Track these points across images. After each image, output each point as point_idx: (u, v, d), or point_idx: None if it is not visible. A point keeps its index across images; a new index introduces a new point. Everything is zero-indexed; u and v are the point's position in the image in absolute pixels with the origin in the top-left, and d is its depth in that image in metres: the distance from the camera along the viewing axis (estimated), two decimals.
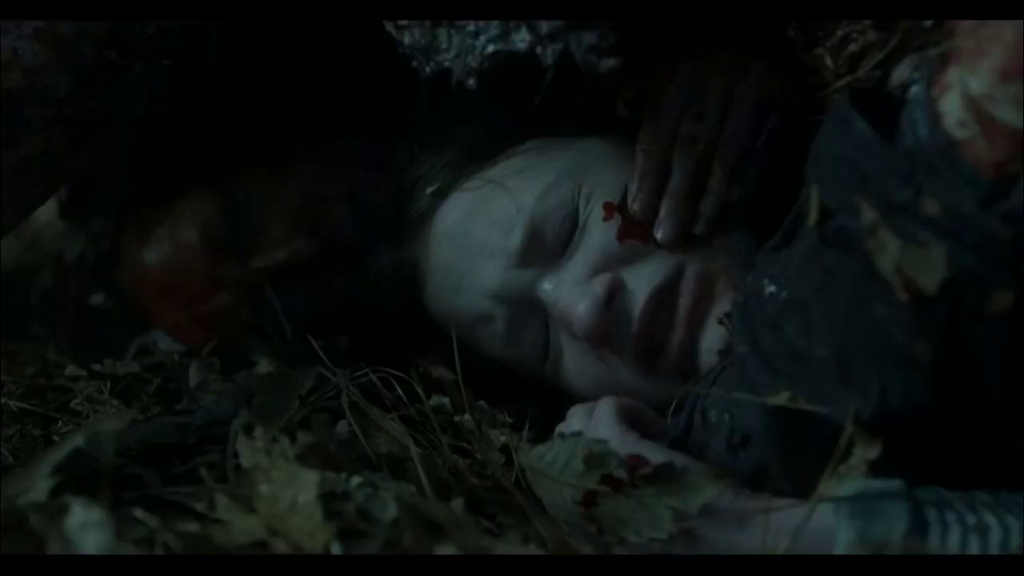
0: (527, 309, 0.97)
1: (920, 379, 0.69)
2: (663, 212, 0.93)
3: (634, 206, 0.94)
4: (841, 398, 0.70)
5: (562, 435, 0.81)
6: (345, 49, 1.03)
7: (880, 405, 0.69)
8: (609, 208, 0.94)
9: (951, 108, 0.66)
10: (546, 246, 0.95)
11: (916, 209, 0.66)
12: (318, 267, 1.11)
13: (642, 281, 0.93)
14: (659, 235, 0.93)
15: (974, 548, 0.68)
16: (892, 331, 0.68)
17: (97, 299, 1.21)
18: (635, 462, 0.77)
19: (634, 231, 0.94)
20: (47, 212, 1.17)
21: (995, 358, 0.68)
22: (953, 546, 0.68)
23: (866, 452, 0.69)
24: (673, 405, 0.88)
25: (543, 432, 0.94)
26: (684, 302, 0.92)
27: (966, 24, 0.66)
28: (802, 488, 0.73)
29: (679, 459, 0.79)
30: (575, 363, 0.97)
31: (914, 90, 0.68)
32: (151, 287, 1.14)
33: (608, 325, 0.92)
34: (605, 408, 0.86)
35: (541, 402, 1.01)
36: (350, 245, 1.11)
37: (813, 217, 0.70)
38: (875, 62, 0.72)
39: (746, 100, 0.92)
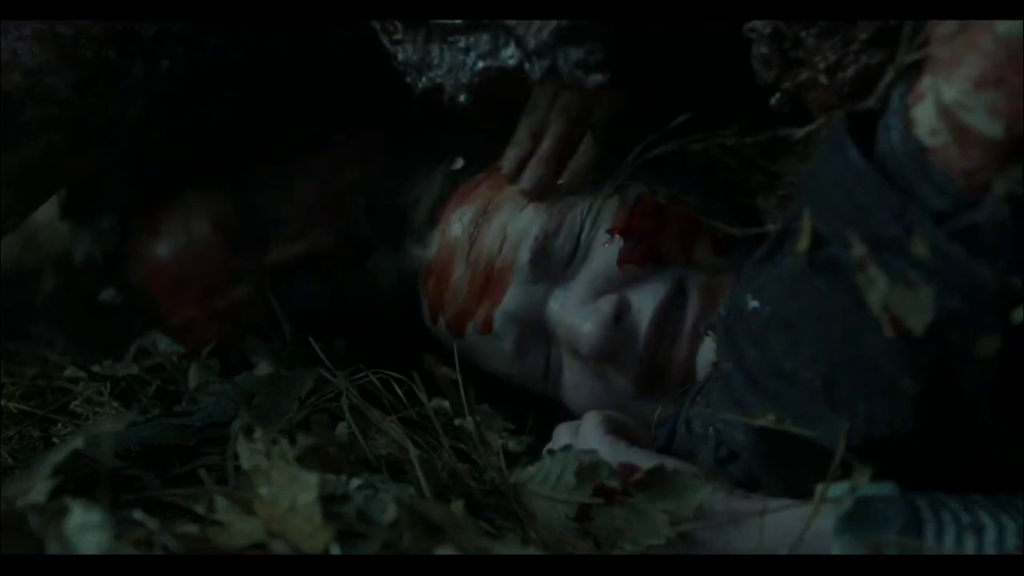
0: (535, 328, 0.97)
1: (907, 410, 0.69)
2: (527, 170, 0.96)
3: (503, 168, 0.97)
4: (828, 421, 0.70)
5: (551, 452, 0.81)
6: (352, 38, 1.03)
7: (867, 432, 0.69)
8: (611, 233, 0.95)
9: (924, 116, 0.66)
10: (551, 264, 0.96)
11: (906, 247, 0.65)
12: (333, 260, 1.11)
13: (646, 299, 0.94)
14: (521, 186, 0.96)
15: (970, 547, 0.68)
16: (880, 363, 0.68)
17: (107, 295, 1.21)
18: (626, 470, 0.77)
19: (633, 256, 0.94)
20: (47, 210, 1.17)
21: (984, 393, 0.68)
22: (948, 545, 0.68)
23: (856, 478, 0.69)
24: (656, 415, 0.89)
25: (542, 435, 0.94)
26: (689, 315, 0.93)
27: (942, 32, 0.66)
28: (794, 498, 0.73)
29: (669, 462, 0.79)
30: (573, 380, 0.97)
31: (894, 97, 0.68)
32: (164, 282, 1.14)
33: (615, 344, 0.93)
34: (591, 421, 0.86)
35: (540, 408, 1.02)
36: (365, 238, 1.11)
37: (804, 243, 0.70)
38: (882, 88, 0.72)
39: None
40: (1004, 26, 0.63)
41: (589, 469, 0.77)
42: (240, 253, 1.12)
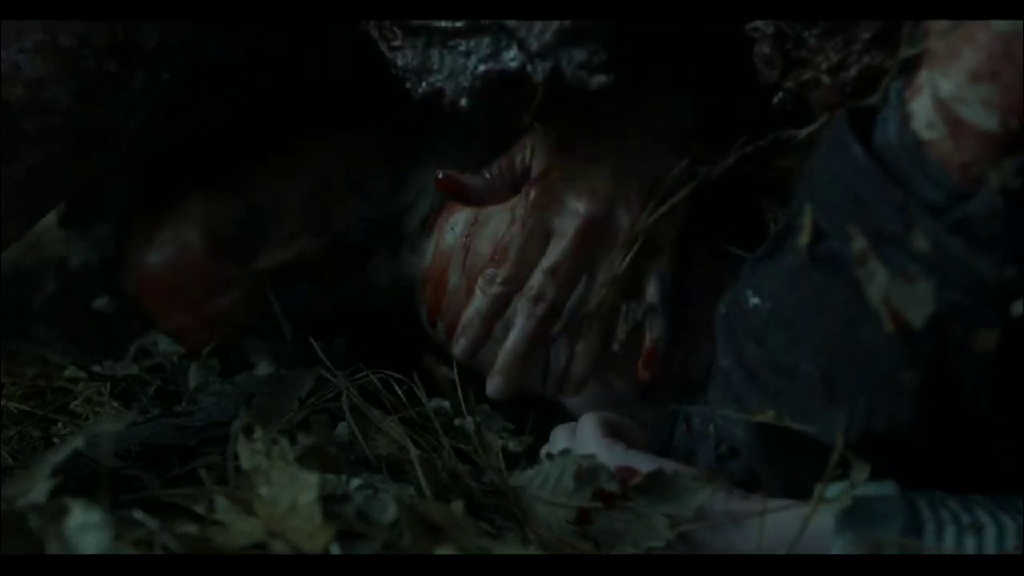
0: None
1: (906, 404, 0.69)
2: (498, 365, 0.93)
3: (456, 347, 0.93)
4: (827, 416, 0.70)
5: (550, 455, 0.81)
6: (348, 43, 1.03)
7: (866, 426, 0.69)
8: None
9: (920, 109, 0.66)
10: None
11: (906, 242, 0.65)
12: (325, 264, 1.11)
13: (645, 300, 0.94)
14: (489, 389, 0.93)
15: (970, 547, 0.68)
16: (879, 357, 0.68)
17: (100, 303, 1.21)
18: (625, 473, 0.77)
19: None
20: (48, 214, 1.17)
21: (983, 386, 0.68)
22: (948, 545, 0.68)
23: (855, 474, 0.69)
24: (651, 416, 0.89)
25: (542, 436, 0.94)
26: (687, 316, 0.93)
27: (939, 27, 0.66)
28: (795, 495, 0.73)
29: (668, 465, 0.79)
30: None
31: (892, 92, 0.69)
32: (156, 289, 1.14)
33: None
34: (587, 423, 0.85)
35: (539, 409, 1.01)
36: (356, 244, 1.11)
37: (805, 237, 0.70)
38: (884, 86, 0.72)
39: (611, 267, 0.91)
40: (1000, 21, 0.64)
41: (588, 473, 0.77)
42: (230, 259, 1.12)
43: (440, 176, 0.94)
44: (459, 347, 0.94)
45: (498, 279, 0.92)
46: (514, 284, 0.92)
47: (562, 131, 0.93)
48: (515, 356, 0.92)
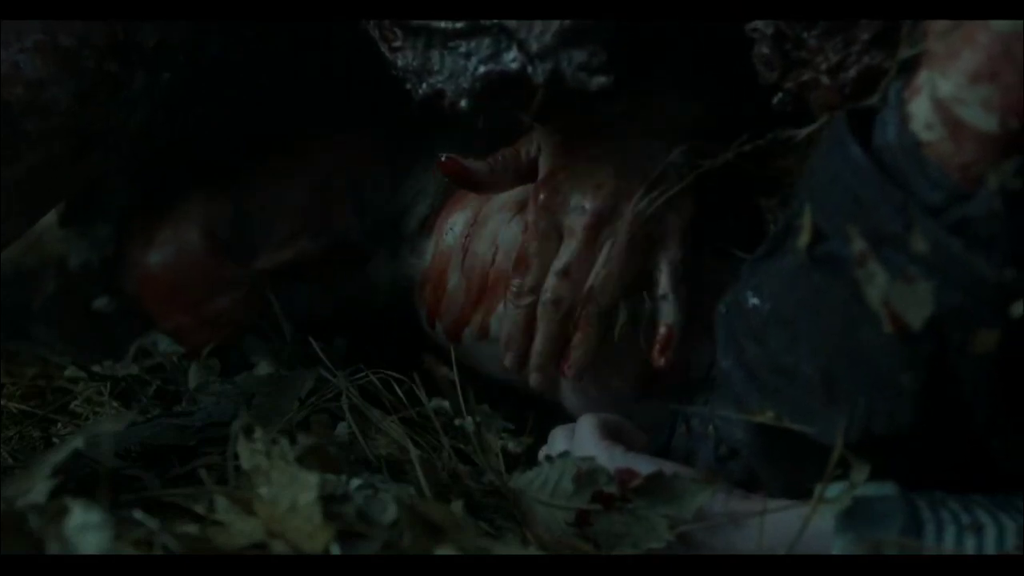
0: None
1: (906, 405, 0.69)
2: (531, 365, 0.95)
3: (506, 359, 0.96)
4: (826, 417, 0.70)
5: (549, 458, 0.81)
6: (348, 43, 1.03)
7: (865, 427, 0.69)
8: None
9: (919, 110, 0.66)
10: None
11: (906, 243, 0.65)
12: (325, 265, 1.11)
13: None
14: (530, 383, 0.95)
15: (970, 547, 0.68)
16: (879, 358, 0.68)
17: (100, 304, 1.21)
18: (624, 475, 0.77)
19: None
20: (48, 214, 1.17)
21: (983, 387, 0.68)
22: (948, 545, 0.68)
23: (855, 474, 0.69)
24: (650, 416, 0.89)
25: (542, 436, 0.94)
26: (689, 319, 0.93)
27: (938, 27, 0.66)
28: (795, 495, 0.73)
29: (668, 467, 0.78)
30: (570, 383, 0.97)
31: (891, 92, 0.69)
32: (155, 290, 1.14)
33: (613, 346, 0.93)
34: (586, 425, 0.85)
35: (540, 409, 1.01)
36: (355, 244, 1.11)
37: (805, 237, 0.70)
38: (882, 87, 0.72)
39: (619, 254, 0.92)
40: (999, 21, 0.64)
41: (587, 475, 0.77)
42: (230, 259, 1.12)
43: (443, 159, 0.95)
44: (508, 359, 0.96)
45: (525, 289, 0.93)
46: (540, 290, 0.93)
47: (565, 132, 0.93)
48: (544, 358, 0.94)
